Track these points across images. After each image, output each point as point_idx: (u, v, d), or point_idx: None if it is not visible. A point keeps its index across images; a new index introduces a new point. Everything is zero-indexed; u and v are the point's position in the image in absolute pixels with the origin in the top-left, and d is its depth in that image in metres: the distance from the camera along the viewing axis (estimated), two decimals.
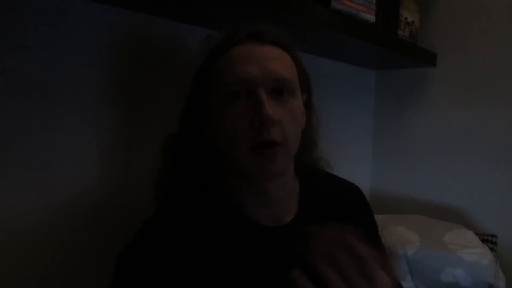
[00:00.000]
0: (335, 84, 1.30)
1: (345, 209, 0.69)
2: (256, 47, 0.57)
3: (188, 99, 0.64)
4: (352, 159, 1.43)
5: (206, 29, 0.83)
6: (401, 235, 1.10)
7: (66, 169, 0.70)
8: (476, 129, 1.28)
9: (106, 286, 0.57)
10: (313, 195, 0.67)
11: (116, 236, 0.66)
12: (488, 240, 1.17)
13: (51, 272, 0.68)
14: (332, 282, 0.42)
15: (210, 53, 0.60)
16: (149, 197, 0.64)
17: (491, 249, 1.12)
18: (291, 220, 0.63)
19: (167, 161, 0.65)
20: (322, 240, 0.45)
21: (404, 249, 1.07)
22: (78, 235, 0.71)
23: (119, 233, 0.65)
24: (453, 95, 1.32)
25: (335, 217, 0.67)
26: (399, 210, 1.38)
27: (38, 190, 0.66)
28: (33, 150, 0.66)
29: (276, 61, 0.57)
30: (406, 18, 1.19)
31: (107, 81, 0.74)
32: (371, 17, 0.97)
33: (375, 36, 1.01)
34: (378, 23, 1.06)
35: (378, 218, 1.14)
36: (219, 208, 0.61)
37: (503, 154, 1.23)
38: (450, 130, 1.33)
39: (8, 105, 0.63)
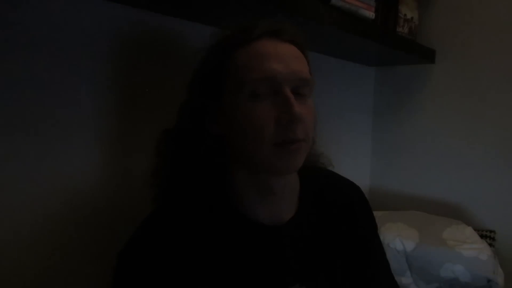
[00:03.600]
0: (334, 81, 1.30)
1: (344, 208, 0.69)
2: (278, 45, 0.57)
3: (193, 93, 0.62)
4: (352, 156, 1.43)
5: (207, 26, 0.83)
6: (400, 231, 1.11)
7: (65, 169, 0.69)
8: (475, 125, 1.28)
9: (105, 285, 0.57)
10: (313, 193, 0.68)
11: (115, 235, 0.66)
12: (487, 235, 1.18)
13: (50, 271, 0.68)
14: None
15: (223, 45, 0.58)
16: (148, 195, 0.64)
17: (490, 245, 1.12)
18: (291, 218, 0.63)
19: (165, 157, 0.64)
20: None
21: (403, 245, 1.08)
22: (77, 235, 0.71)
23: (118, 232, 0.64)
24: (452, 92, 1.32)
25: (334, 215, 0.68)
26: (398, 207, 1.38)
27: (37, 190, 0.66)
28: (32, 150, 0.65)
29: (297, 60, 0.58)
30: (405, 15, 1.19)
31: (107, 79, 0.74)
32: (371, 14, 0.97)
33: (374, 33, 1.01)
34: (377, 20, 1.06)
35: (378, 214, 1.14)
36: (219, 206, 0.61)
37: (502, 150, 1.23)
38: (449, 126, 1.33)
39: (6, 104, 0.62)
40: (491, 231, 1.19)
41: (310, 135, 0.58)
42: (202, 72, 0.61)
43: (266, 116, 0.54)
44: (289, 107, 0.53)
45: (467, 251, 1.03)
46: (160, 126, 0.66)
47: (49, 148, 0.67)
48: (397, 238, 1.09)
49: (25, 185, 0.65)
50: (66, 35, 0.68)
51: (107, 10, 0.72)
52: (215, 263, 0.57)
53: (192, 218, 0.59)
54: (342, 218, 0.68)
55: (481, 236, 1.13)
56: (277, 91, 0.55)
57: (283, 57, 0.56)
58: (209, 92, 0.59)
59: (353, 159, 1.45)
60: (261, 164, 0.57)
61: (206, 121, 0.60)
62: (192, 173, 0.62)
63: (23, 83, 0.64)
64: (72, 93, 0.69)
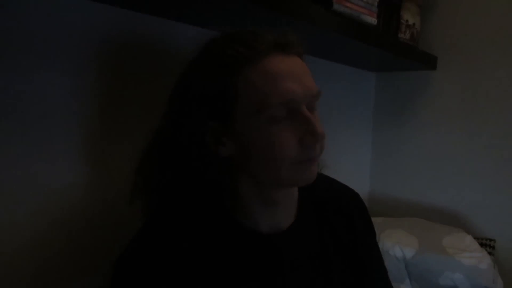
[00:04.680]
0: (335, 86, 1.30)
1: (343, 214, 0.69)
2: (287, 61, 0.55)
3: (191, 113, 0.56)
4: (352, 162, 1.43)
5: (203, 28, 0.83)
6: (400, 238, 1.10)
7: (62, 170, 0.68)
8: (476, 132, 1.28)
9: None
10: (311, 200, 0.67)
11: (112, 241, 0.66)
12: (487, 244, 1.17)
13: (47, 273, 0.68)
14: None
15: (228, 63, 0.53)
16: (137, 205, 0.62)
17: (489, 253, 1.12)
18: (289, 226, 0.63)
19: (156, 176, 0.60)
20: None
21: (402, 252, 1.07)
22: (73, 238, 0.70)
23: (115, 238, 0.64)
24: (453, 98, 1.32)
25: (332, 222, 0.67)
26: (398, 213, 1.38)
27: (33, 193, 0.65)
28: (28, 151, 0.64)
29: (308, 76, 0.56)
30: (407, 21, 1.19)
31: (97, 82, 0.72)
32: (373, 20, 0.97)
33: (376, 39, 1.01)
34: (379, 25, 1.06)
35: (377, 221, 1.13)
36: (217, 215, 0.60)
37: (503, 157, 1.23)
38: (449, 133, 1.33)
39: None
40: (491, 240, 1.19)
41: (324, 148, 0.58)
42: (203, 91, 0.55)
43: (289, 139, 0.53)
44: (313, 129, 0.53)
45: (467, 259, 1.02)
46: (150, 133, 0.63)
47: (44, 150, 0.66)
48: (397, 245, 1.08)
49: (21, 187, 0.64)
50: (56, 38, 0.66)
51: (95, 11, 0.70)
52: (213, 271, 0.56)
53: (189, 227, 0.58)
54: (341, 225, 0.68)
55: (481, 245, 1.13)
56: (294, 111, 0.54)
57: (297, 75, 0.54)
58: (214, 113, 0.55)
59: (353, 165, 1.44)
60: (278, 181, 0.57)
61: (210, 143, 0.56)
62: (191, 190, 0.60)
63: (9, 86, 0.62)
64: (59, 97, 0.68)
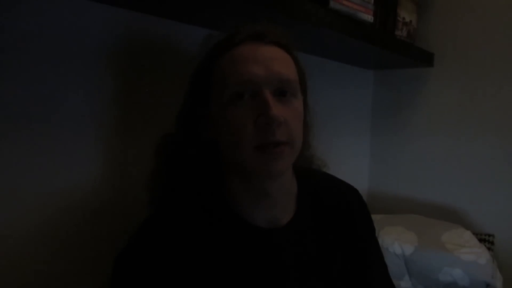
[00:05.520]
0: (333, 84, 1.30)
1: (342, 211, 0.69)
2: (259, 47, 0.57)
3: (187, 100, 0.63)
4: (350, 159, 1.43)
5: (205, 29, 0.83)
6: (399, 235, 1.11)
7: (66, 169, 0.69)
8: (474, 129, 1.28)
9: (104, 285, 0.56)
10: (311, 196, 0.67)
11: (115, 237, 0.66)
12: (486, 239, 1.17)
13: (50, 271, 0.68)
14: None
15: (210, 52, 0.60)
16: (145, 198, 0.64)
17: (488, 249, 1.12)
18: (289, 221, 0.63)
19: (162, 162, 0.65)
20: None
21: (402, 249, 1.07)
22: (77, 235, 0.71)
23: (118, 234, 0.65)
24: (450, 95, 1.33)
25: (332, 218, 0.67)
26: (397, 210, 1.38)
27: (37, 191, 0.66)
28: (32, 149, 0.65)
29: (279, 61, 0.57)
30: (403, 18, 1.19)
31: (106, 81, 0.73)
32: (369, 17, 0.97)
33: (372, 36, 1.01)
34: (376, 23, 1.06)
35: (376, 218, 1.14)
36: (217, 210, 0.60)
37: (501, 153, 1.23)
38: (447, 130, 1.33)
39: (6, 107, 0.62)
40: (489, 235, 1.19)
41: (295, 138, 0.57)
42: (193, 79, 0.62)
43: (245, 119, 0.54)
44: (266, 110, 0.53)
45: (466, 255, 1.02)
46: (158, 128, 0.66)
47: (49, 148, 0.67)
48: (396, 241, 1.09)
49: (26, 185, 0.65)
50: (63, 38, 0.68)
51: (103, 12, 0.72)
52: (213, 266, 0.57)
53: (190, 222, 0.58)
54: (340, 221, 0.68)
55: (480, 240, 1.13)
56: (256, 94, 0.55)
57: (263, 60, 0.56)
58: (200, 99, 0.60)
59: (352, 162, 1.45)
60: (245, 168, 0.56)
61: (198, 127, 0.61)
62: (188, 177, 0.63)
63: (23, 86, 0.63)
64: (71, 95, 0.69)
